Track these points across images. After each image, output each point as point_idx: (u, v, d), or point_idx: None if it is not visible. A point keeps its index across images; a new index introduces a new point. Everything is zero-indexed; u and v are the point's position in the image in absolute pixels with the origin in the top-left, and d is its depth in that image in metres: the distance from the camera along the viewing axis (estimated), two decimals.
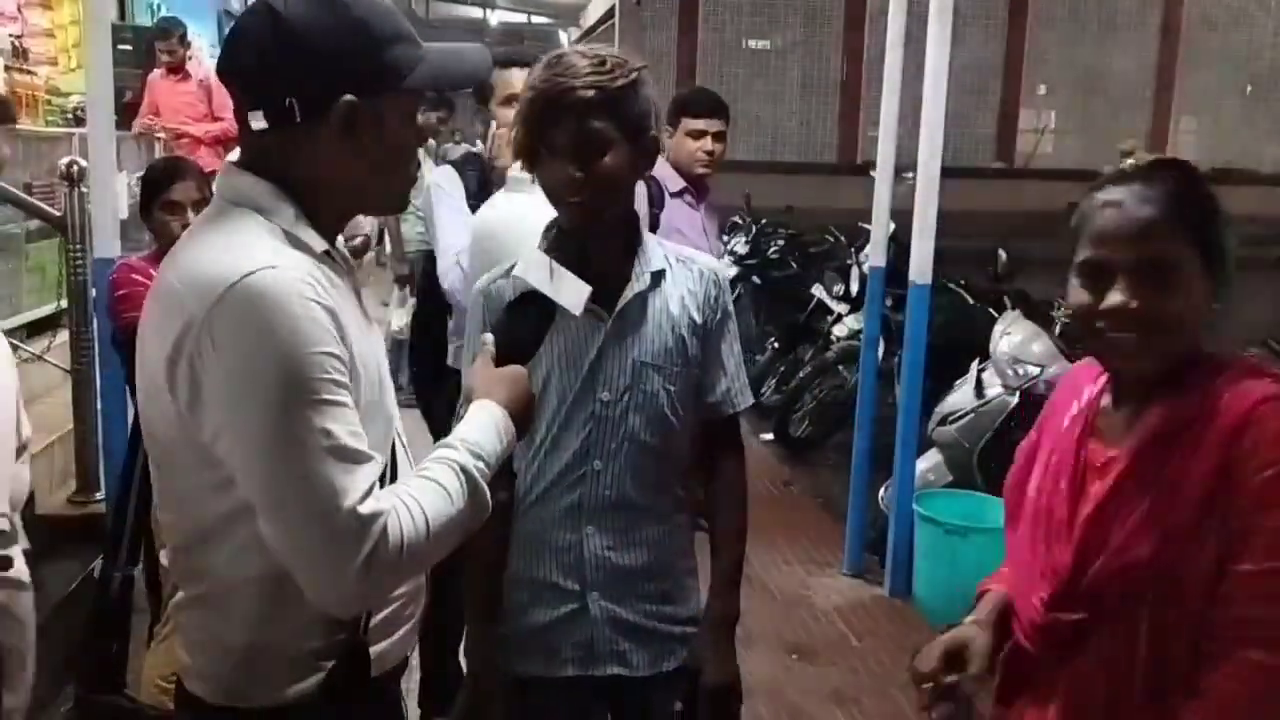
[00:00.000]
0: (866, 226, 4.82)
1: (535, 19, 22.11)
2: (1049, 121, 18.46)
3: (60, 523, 3.57)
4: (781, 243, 7.51)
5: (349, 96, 1.24)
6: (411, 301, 5.16)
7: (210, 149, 6.90)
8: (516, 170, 2.29)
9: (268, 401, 1.15)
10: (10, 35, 7.50)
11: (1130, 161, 1.41)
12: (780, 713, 3.25)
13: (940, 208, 3.75)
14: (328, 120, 1.25)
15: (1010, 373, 4.41)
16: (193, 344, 1.16)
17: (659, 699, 1.82)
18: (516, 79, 2.57)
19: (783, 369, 6.36)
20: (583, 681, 1.80)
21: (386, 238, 6.90)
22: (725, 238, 7.35)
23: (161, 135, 7.11)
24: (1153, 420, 1.34)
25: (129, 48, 7.63)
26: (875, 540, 4.27)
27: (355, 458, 1.18)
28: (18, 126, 4.29)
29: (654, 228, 3.07)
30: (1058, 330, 4.56)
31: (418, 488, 1.24)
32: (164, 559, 1.57)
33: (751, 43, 17.47)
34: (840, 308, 6.02)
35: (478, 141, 3.52)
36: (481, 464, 1.30)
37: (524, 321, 1.55)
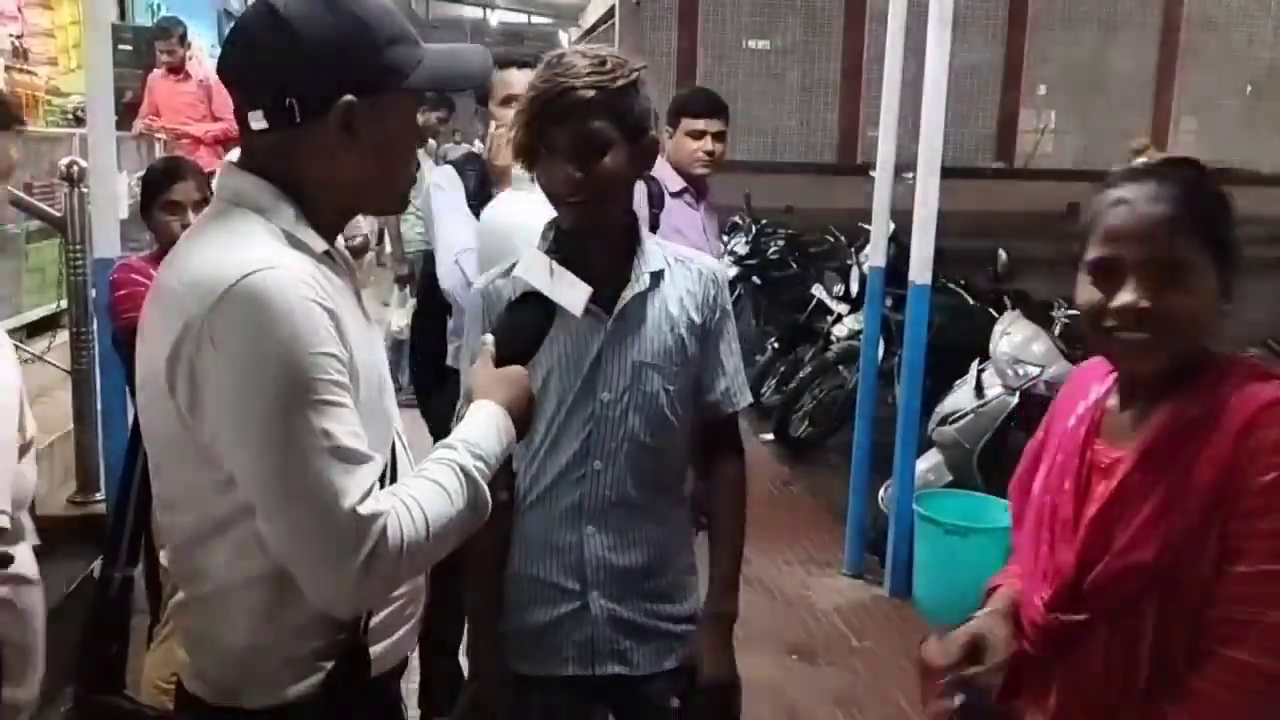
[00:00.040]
0: (866, 226, 4.82)
1: (535, 19, 22.11)
2: (1049, 121, 18.47)
3: (60, 523, 3.56)
4: (781, 243, 7.52)
5: (348, 97, 1.24)
6: (412, 302, 5.16)
7: (210, 149, 6.90)
8: (519, 169, 2.29)
9: (267, 402, 1.15)
10: (10, 35, 7.51)
11: (1142, 159, 1.40)
12: (780, 713, 3.25)
13: (940, 208, 3.75)
14: (327, 120, 1.25)
15: (1010, 373, 4.41)
16: (192, 344, 1.16)
17: (659, 697, 1.82)
18: (515, 79, 2.57)
19: (783, 369, 6.36)
20: (583, 680, 1.81)
21: (387, 238, 6.90)
22: (725, 238, 7.35)
23: (162, 136, 7.11)
24: (1159, 422, 1.34)
25: (129, 48, 7.63)
26: (875, 540, 4.27)
27: (355, 458, 1.18)
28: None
29: (654, 228, 3.07)
30: (1058, 330, 4.57)
31: (418, 488, 1.24)
32: (164, 559, 1.57)
33: (751, 43, 17.48)
34: (840, 308, 6.02)
35: (476, 141, 3.52)
36: (481, 464, 1.30)
37: (524, 322, 1.55)
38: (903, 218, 4.16)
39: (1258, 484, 1.24)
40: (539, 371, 1.68)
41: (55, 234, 4.35)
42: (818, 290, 6.31)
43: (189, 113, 7.15)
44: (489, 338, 1.50)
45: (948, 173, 3.83)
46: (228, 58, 1.30)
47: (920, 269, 3.80)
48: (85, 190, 3.71)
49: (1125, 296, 1.31)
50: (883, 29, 4.14)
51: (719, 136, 3.40)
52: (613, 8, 17.09)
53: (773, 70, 17.50)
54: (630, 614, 1.80)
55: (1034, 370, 4.39)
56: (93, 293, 3.59)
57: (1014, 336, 4.50)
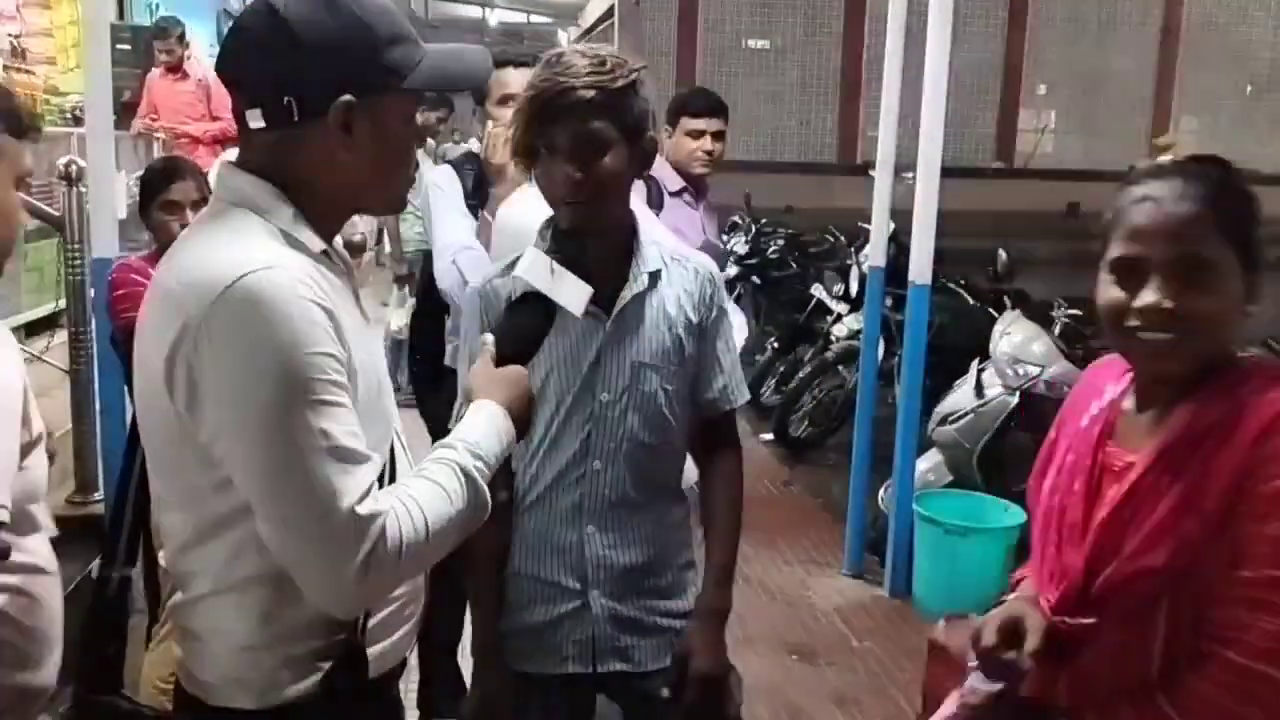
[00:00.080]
0: (866, 226, 4.81)
1: (535, 18, 22.11)
2: (1049, 121, 18.47)
3: (58, 523, 3.53)
4: (781, 242, 7.51)
5: (347, 97, 1.24)
6: (411, 301, 5.16)
7: (209, 148, 6.90)
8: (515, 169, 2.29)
9: (265, 402, 1.15)
10: (9, 35, 7.51)
11: (1167, 156, 1.39)
12: (780, 713, 3.24)
13: (940, 207, 3.74)
14: (326, 120, 1.24)
15: (1010, 373, 4.41)
16: (190, 344, 1.16)
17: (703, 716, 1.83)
18: (512, 78, 2.57)
19: (782, 369, 6.36)
20: (585, 678, 1.82)
21: (385, 237, 6.90)
22: (725, 237, 7.35)
23: (160, 135, 7.11)
24: (1175, 426, 1.31)
25: (128, 47, 7.63)
26: (875, 540, 4.27)
27: (353, 458, 1.18)
28: None
29: None
30: (1058, 330, 4.57)
31: (417, 488, 1.24)
32: (162, 560, 1.57)
33: (751, 42, 17.47)
34: (840, 307, 6.01)
35: (473, 140, 3.51)
36: (481, 464, 1.30)
37: (524, 322, 1.55)
38: (903, 217, 4.15)
39: (1267, 489, 1.23)
40: (538, 372, 1.68)
41: (54, 233, 4.34)
42: (817, 290, 6.31)
43: (188, 112, 7.15)
44: (489, 337, 1.50)
45: (947, 172, 3.82)
46: (227, 56, 1.30)
47: (920, 269, 3.80)
48: (84, 190, 3.71)
49: (1149, 296, 1.28)
50: (883, 29, 4.13)
51: (718, 136, 3.40)
52: (612, 7, 17.09)
53: (772, 70, 17.49)
54: (631, 611, 1.81)
55: (1034, 370, 4.39)
56: (91, 292, 3.58)
57: (1014, 336, 4.50)
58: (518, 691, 1.80)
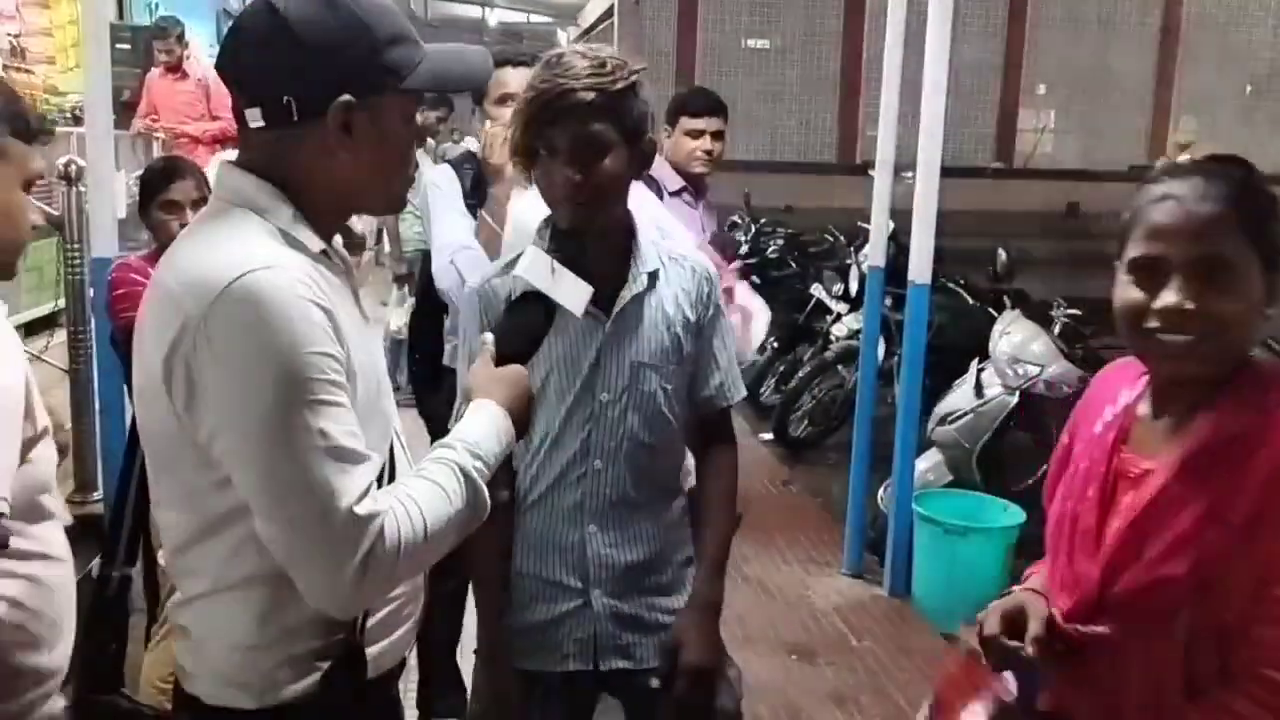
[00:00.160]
0: (866, 226, 4.81)
1: (534, 18, 22.11)
2: (1048, 121, 18.46)
3: None
4: (781, 242, 7.51)
5: (346, 97, 1.24)
6: (410, 301, 5.16)
7: (208, 148, 6.90)
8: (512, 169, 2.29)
9: (263, 402, 1.15)
10: (8, 34, 7.51)
11: (1186, 155, 1.36)
12: (780, 712, 3.24)
13: (940, 207, 3.74)
14: (325, 120, 1.24)
15: (1010, 372, 4.41)
16: (189, 344, 1.16)
17: (693, 707, 1.83)
18: (510, 78, 2.57)
19: (782, 369, 6.36)
20: (585, 676, 1.83)
21: (385, 237, 6.90)
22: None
23: (160, 135, 7.11)
24: (1198, 434, 1.28)
25: (127, 47, 7.63)
26: (875, 540, 4.27)
27: (352, 458, 1.18)
28: None
29: None
30: (1057, 330, 4.57)
31: (415, 488, 1.24)
32: (161, 559, 1.57)
33: (750, 42, 17.47)
34: (839, 307, 6.02)
35: (469, 139, 3.51)
36: (480, 464, 1.30)
37: (524, 322, 1.55)
38: (902, 217, 4.15)
39: None
40: (538, 372, 1.68)
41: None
42: (817, 290, 6.31)
43: (187, 112, 7.15)
44: (488, 337, 1.50)
45: (947, 172, 3.82)
46: (226, 55, 1.30)
47: (920, 268, 3.80)
48: (83, 189, 3.71)
49: (1169, 297, 1.25)
50: (882, 28, 4.13)
51: (718, 135, 3.40)
52: (611, 6, 17.09)
53: (772, 69, 17.49)
54: (632, 609, 1.82)
55: (1033, 370, 4.39)
56: (90, 292, 3.58)
57: (1013, 336, 4.50)
58: (522, 689, 1.80)
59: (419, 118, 1.42)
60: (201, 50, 8.11)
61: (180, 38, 7.18)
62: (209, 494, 1.23)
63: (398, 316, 6.01)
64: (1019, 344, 4.47)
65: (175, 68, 7.18)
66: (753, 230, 7.64)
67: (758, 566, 4.24)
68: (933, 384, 4.38)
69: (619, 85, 1.64)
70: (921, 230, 3.75)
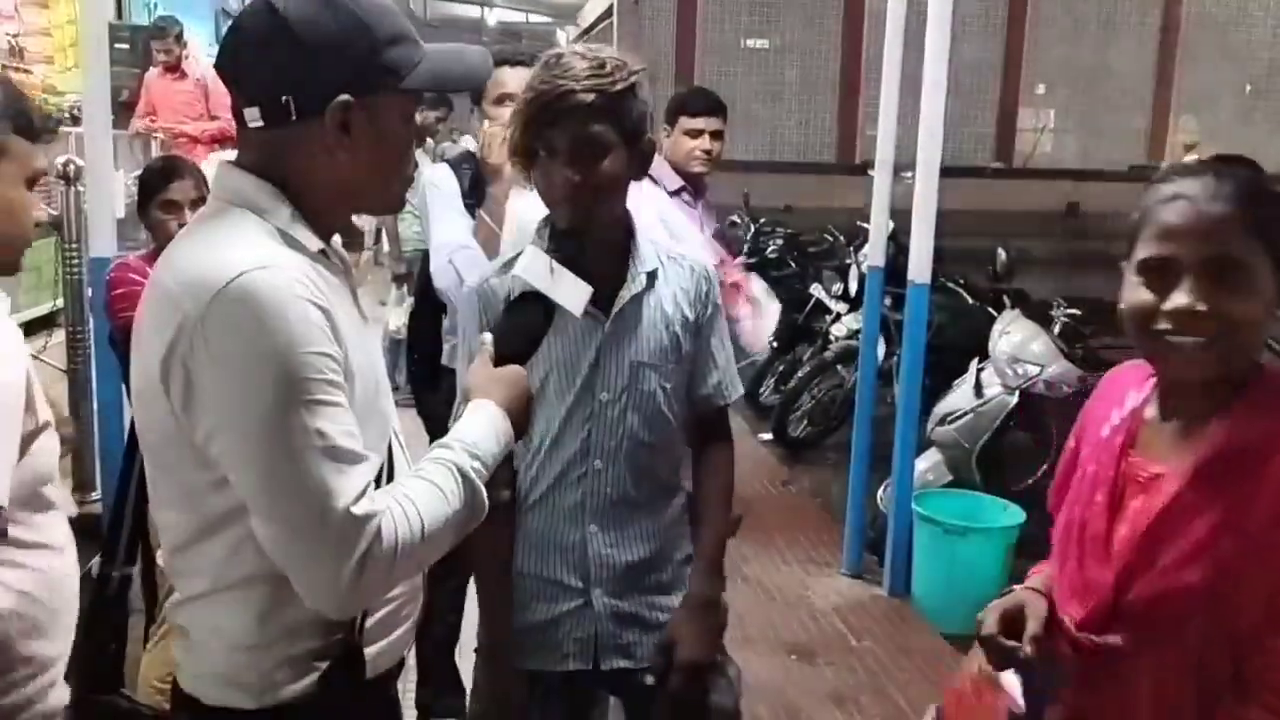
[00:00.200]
0: (865, 226, 4.81)
1: (533, 18, 22.12)
2: (1048, 121, 18.47)
3: None
4: (780, 242, 7.50)
5: (345, 96, 1.24)
6: (409, 301, 5.15)
7: (207, 147, 6.90)
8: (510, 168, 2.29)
9: (261, 402, 1.14)
10: (7, 34, 7.51)
11: (1193, 155, 1.35)
12: (779, 712, 3.24)
13: (939, 207, 3.74)
14: (324, 119, 1.24)
15: (1009, 372, 4.41)
16: (186, 344, 1.16)
17: (687, 703, 1.83)
18: (508, 77, 2.57)
19: (781, 369, 6.35)
20: (585, 675, 1.83)
21: (384, 236, 6.90)
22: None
23: (160, 135, 7.11)
24: (1211, 440, 1.26)
25: (126, 47, 7.63)
26: (874, 540, 4.26)
27: (349, 458, 1.18)
28: None
29: None
30: (1057, 329, 4.57)
31: (413, 488, 1.24)
32: (160, 559, 1.57)
33: (750, 42, 17.47)
34: (839, 307, 6.01)
35: (466, 138, 3.51)
36: (478, 464, 1.30)
37: (523, 322, 1.55)
38: (902, 217, 4.15)
39: None
40: (537, 372, 1.69)
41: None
42: (816, 289, 6.31)
43: (186, 111, 7.16)
44: (488, 337, 1.49)
45: (947, 172, 3.82)
46: (225, 55, 1.30)
47: (919, 268, 3.79)
48: (81, 189, 3.71)
49: (1180, 298, 1.23)
50: (882, 28, 4.13)
51: (717, 135, 3.40)
52: (611, 6, 17.10)
53: (771, 69, 17.50)
54: (632, 608, 1.82)
55: (1033, 369, 4.39)
56: (89, 292, 3.58)
57: (1013, 336, 4.51)
58: (524, 691, 1.81)
59: (418, 117, 1.42)
60: (200, 50, 8.11)
61: (179, 37, 7.18)
62: (207, 494, 1.22)
63: (397, 316, 6.00)
64: (1019, 344, 4.47)
65: (174, 67, 7.18)
66: (752, 230, 7.63)
67: (757, 567, 4.24)
68: (932, 384, 4.38)
69: (618, 86, 1.64)
70: (921, 230, 3.74)
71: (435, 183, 2.78)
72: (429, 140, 6.56)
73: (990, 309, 5.10)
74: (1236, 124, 17.51)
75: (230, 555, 1.25)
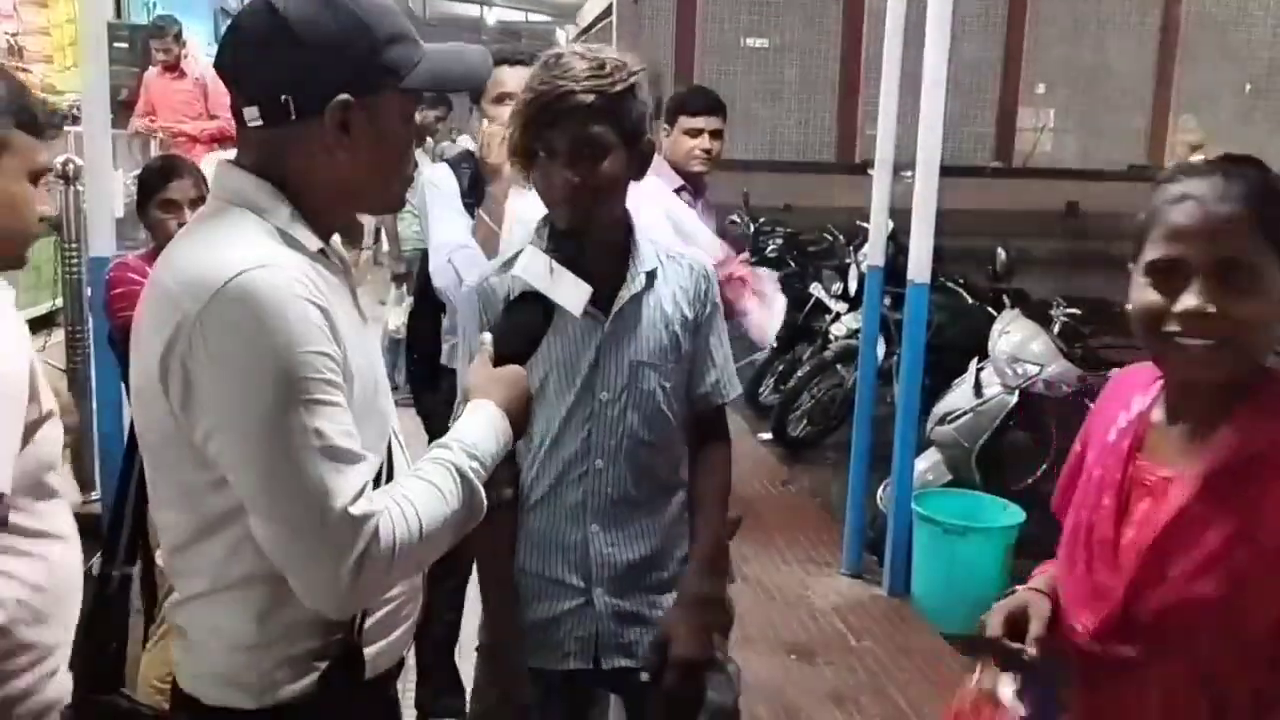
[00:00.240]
0: (865, 225, 4.81)
1: (533, 17, 22.12)
2: (1048, 120, 18.49)
3: None
4: (780, 241, 7.50)
5: (344, 96, 1.24)
6: (409, 300, 5.15)
7: (206, 147, 6.90)
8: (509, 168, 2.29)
9: (259, 401, 1.14)
10: (6, 33, 7.50)
11: (1199, 155, 1.33)
12: (779, 712, 3.24)
13: (939, 206, 3.74)
14: (323, 118, 1.24)
15: (1009, 372, 4.41)
16: (185, 343, 1.16)
17: (682, 700, 1.84)
18: (507, 76, 2.57)
19: (781, 368, 6.35)
20: (586, 674, 1.83)
21: (384, 236, 6.89)
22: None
23: (159, 134, 7.11)
24: (1221, 447, 1.24)
25: (125, 46, 7.62)
26: (874, 540, 4.26)
27: (347, 458, 1.18)
28: None
29: None
30: (1056, 329, 4.57)
31: (411, 488, 1.24)
32: (159, 559, 1.57)
33: (750, 41, 17.48)
34: (838, 306, 6.01)
35: (464, 137, 3.50)
36: (476, 464, 1.29)
37: (522, 322, 1.55)
38: (901, 216, 4.15)
39: None
40: (537, 372, 1.69)
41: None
42: (816, 289, 6.31)
43: (185, 111, 7.15)
44: (487, 337, 1.49)
45: (946, 171, 3.82)
46: (225, 54, 1.30)
47: (919, 268, 3.79)
48: (81, 188, 3.70)
49: (1189, 300, 1.21)
50: (881, 27, 4.13)
51: (716, 134, 3.40)
52: (610, 5, 17.10)
53: (771, 68, 17.50)
54: (633, 607, 1.83)
55: (1033, 369, 4.39)
56: (88, 291, 3.58)
57: (1013, 335, 4.51)
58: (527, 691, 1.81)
59: (417, 117, 1.42)
60: (199, 49, 8.10)
61: (178, 37, 7.18)
62: (206, 493, 1.22)
63: (396, 316, 6.00)
64: (1018, 343, 4.47)
65: (173, 67, 7.17)
66: (751, 229, 7.63)
67: (757, 566, 4.24)
68: (932, 383, 4.38)
69: (618, 87, 1.64)
70: (921, 229, 3.74)
71: (434, 182, 2.78)
72: (428, 140, 6.56)
73: (990, 309, 5.10)
74: (1236, 124, 17.52)
75: (229, 555, 1.24)
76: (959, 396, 4.51)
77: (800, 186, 13.39)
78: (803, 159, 17.06)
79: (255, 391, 1.14)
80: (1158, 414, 1.34)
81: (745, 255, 3.33)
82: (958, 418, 4.44)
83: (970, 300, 5.34)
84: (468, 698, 2.17)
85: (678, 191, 3.39)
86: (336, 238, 1.38)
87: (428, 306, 2.87)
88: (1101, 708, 1.34)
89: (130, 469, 1.73)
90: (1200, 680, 1.24)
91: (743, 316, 3.05)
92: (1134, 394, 1.38)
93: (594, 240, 1.73)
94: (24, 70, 7.24)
